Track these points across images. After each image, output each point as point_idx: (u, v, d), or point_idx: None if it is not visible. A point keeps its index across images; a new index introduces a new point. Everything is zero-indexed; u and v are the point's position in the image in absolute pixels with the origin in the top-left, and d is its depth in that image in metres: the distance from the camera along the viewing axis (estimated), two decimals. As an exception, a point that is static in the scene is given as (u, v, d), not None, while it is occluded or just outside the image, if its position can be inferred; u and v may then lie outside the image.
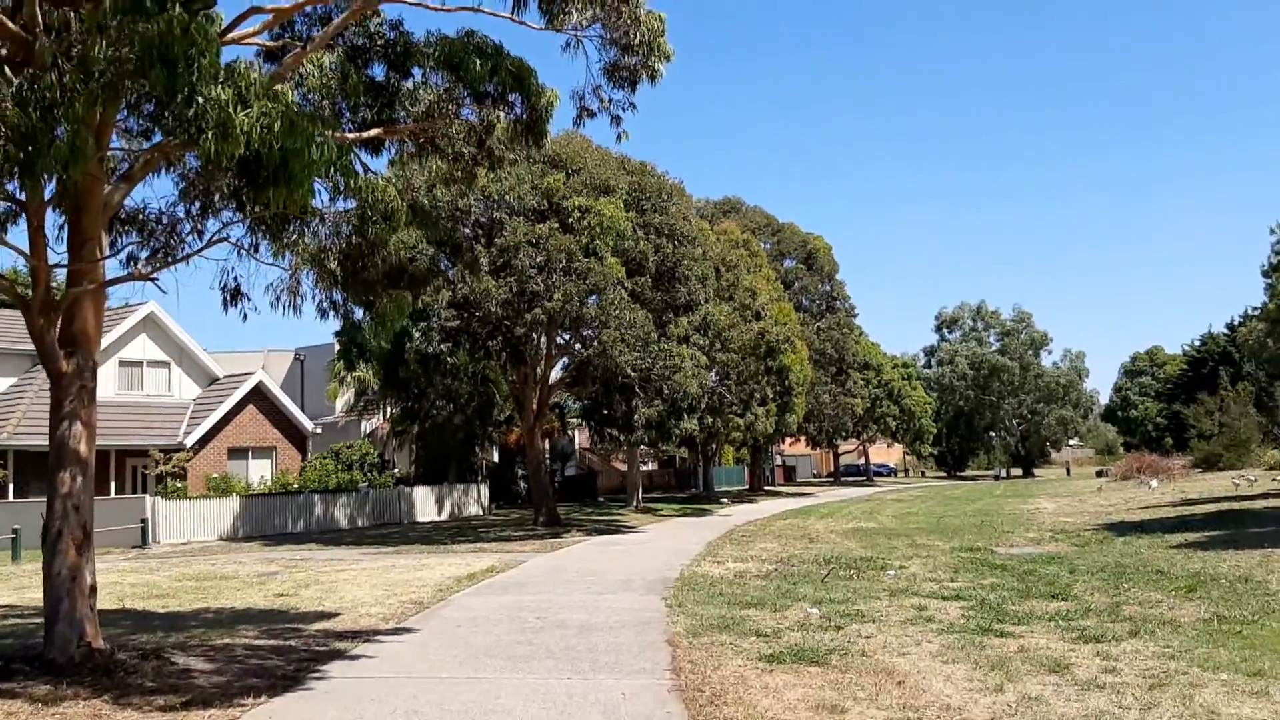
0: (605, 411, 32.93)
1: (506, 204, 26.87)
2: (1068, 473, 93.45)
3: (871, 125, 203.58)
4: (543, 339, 29.53)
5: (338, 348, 31.76)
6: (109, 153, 10.24)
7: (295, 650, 10.88)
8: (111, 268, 10.80)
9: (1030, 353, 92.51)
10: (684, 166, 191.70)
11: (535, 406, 31.46)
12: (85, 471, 9.61)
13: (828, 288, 59.79)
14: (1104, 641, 10.50)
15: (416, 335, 27.51)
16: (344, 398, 46.11)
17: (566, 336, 30.78)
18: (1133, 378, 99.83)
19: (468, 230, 28.69)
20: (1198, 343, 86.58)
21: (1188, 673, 8.93)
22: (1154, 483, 40.81)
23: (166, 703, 8.18)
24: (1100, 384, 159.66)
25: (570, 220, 26.74)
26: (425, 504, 39.42)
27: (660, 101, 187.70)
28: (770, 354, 39.63)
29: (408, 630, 12.32)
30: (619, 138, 11.04)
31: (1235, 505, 28.33)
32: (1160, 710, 7.71)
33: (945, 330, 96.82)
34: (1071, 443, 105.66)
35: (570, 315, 26.19)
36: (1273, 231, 30.64)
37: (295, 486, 36.29)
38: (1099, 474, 72.47)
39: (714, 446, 50.01)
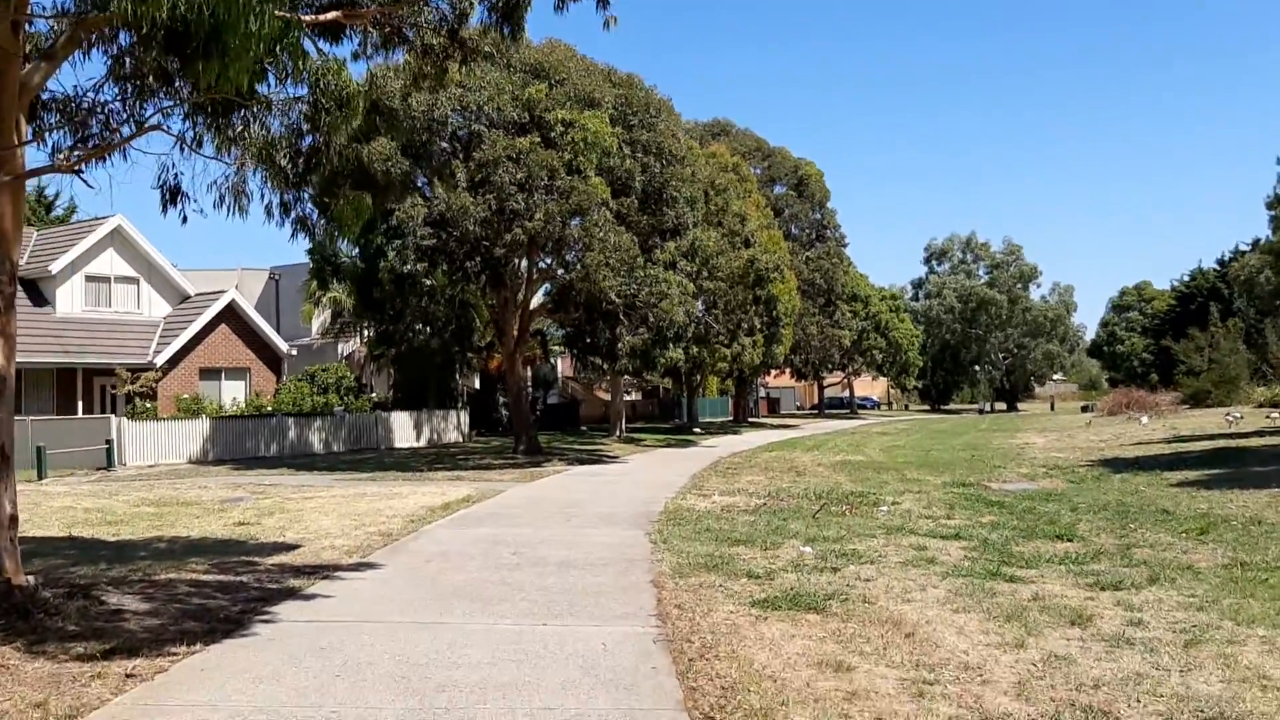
0: (588, 339, 31.90)
1: (485, 115, 25.51)
2: (1051, 408, 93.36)
3: (867, 54, 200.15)
4: (524, 261, 28.36)
5: (311, 266, 30.50)
6: (31, 30, 9.04)
7: (245, 588, 9.97)
8: (38, 161, 9.65)
9: (1019, 286, 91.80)
10: (672, 86, 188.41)
11: (516, 332, 30.36)
12: (3, 387, 8.56)
13: (818, 216, 58.50)
14: (1123, 589, 9.70)
15: (391, 254, 26.29)
16: (320, 319, 44.96)
17: (549, 261, 29.65)
18: (1120, 313, 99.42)
19: (445, 144, 27.39)
20: (1187, 278, 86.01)
21: (1221, 627, 8.12)
22: (1144, 419, 40.27)
23: (86, 650, 7.25)
24: (1088, 319, 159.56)
25: (552, 135, 25.41)
26: (403, 430, 38.57)
27: (647, 18, 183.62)
28: (759, 283, 38.53)
29: (372, 566, 11.43)
30: (606, 24, 9.82)
31: (1231, 443, 27.72)
32: (1203, 673, 6.88)
33: (934, 262, 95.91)
34: (1055, 378, 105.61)
35: (552, 236, 24.99)
36: (1278, 163, 29.47)
37: (269, 409, 35.33)
38: (1084, 409, 72.18)
39: (699, 377, 49.17)
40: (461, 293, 27.70)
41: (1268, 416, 35.12)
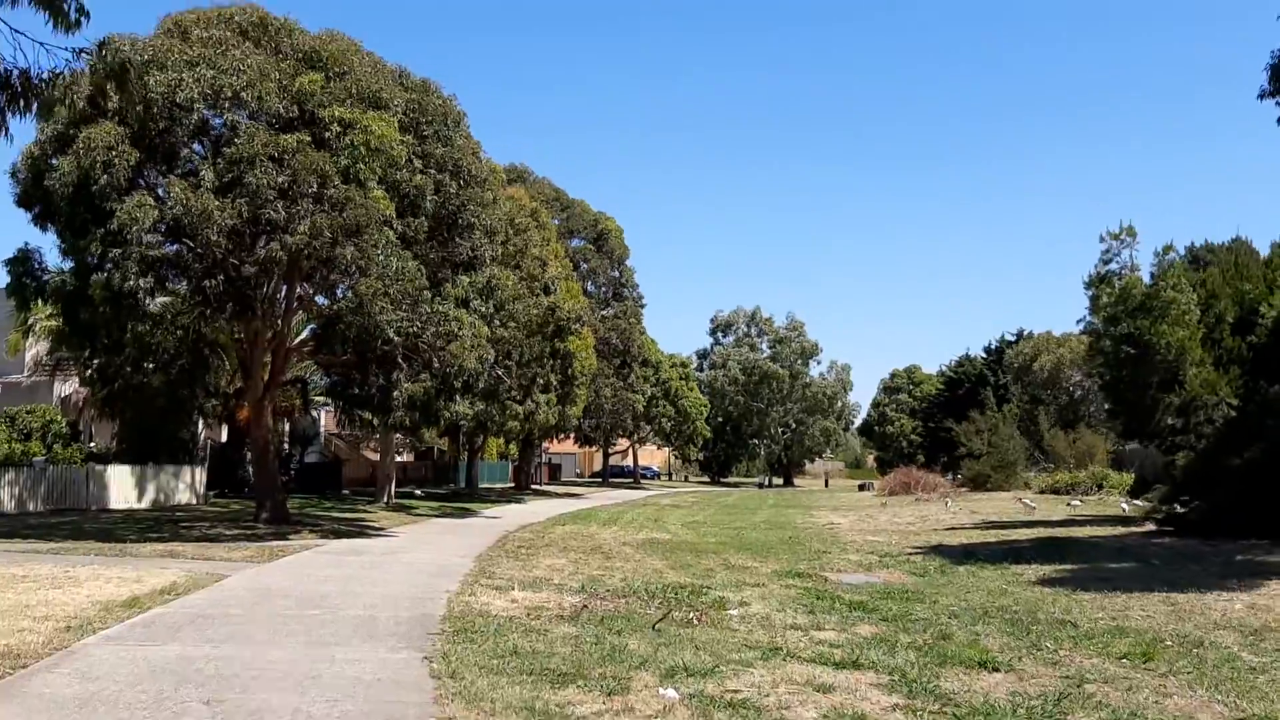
0: (357, 389, 27.02)
1: (244, 105, 20.76)
2: (826, 484, 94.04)
3: (660, 119, 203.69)
4: (283, 288, 23.39)
5: (8, 282, 24.33)
6: None
7: None
8: None
9: (800, 362, 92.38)
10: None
11: (267, 375, 25.21)
12: None
13: (616, 273, 55.60)
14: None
15: (109, 266, 20.84)
16: (32, 351, 37.97)
17: (314, 290, 24.85)
18: (891, 394, 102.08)
19: (197, 145, 22.50)
20: (955, 363, 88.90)
21: None
22: (949, 501, 39.03)
23: None
24: (860, 399, 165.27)
25: (327, 135, 20.91)
26: (123, 487, 32.19)
27: (434, 52, 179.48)
28: (559, 334, 34.77)
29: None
30: None
31: (1053, 532, 26.08)
32: None
33: (720, 334, 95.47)
34: (826, 455, 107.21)
35: (319, 255, 20.30)
36: (1102, 240, 28.86)
37: (-50, 457, 28.49)
38: (862, 488, 72.17)
39: (481, 438, 44.61)
40: (199, 321, 22.42)
41: (1069, 504, 34.31)
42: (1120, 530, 25.89)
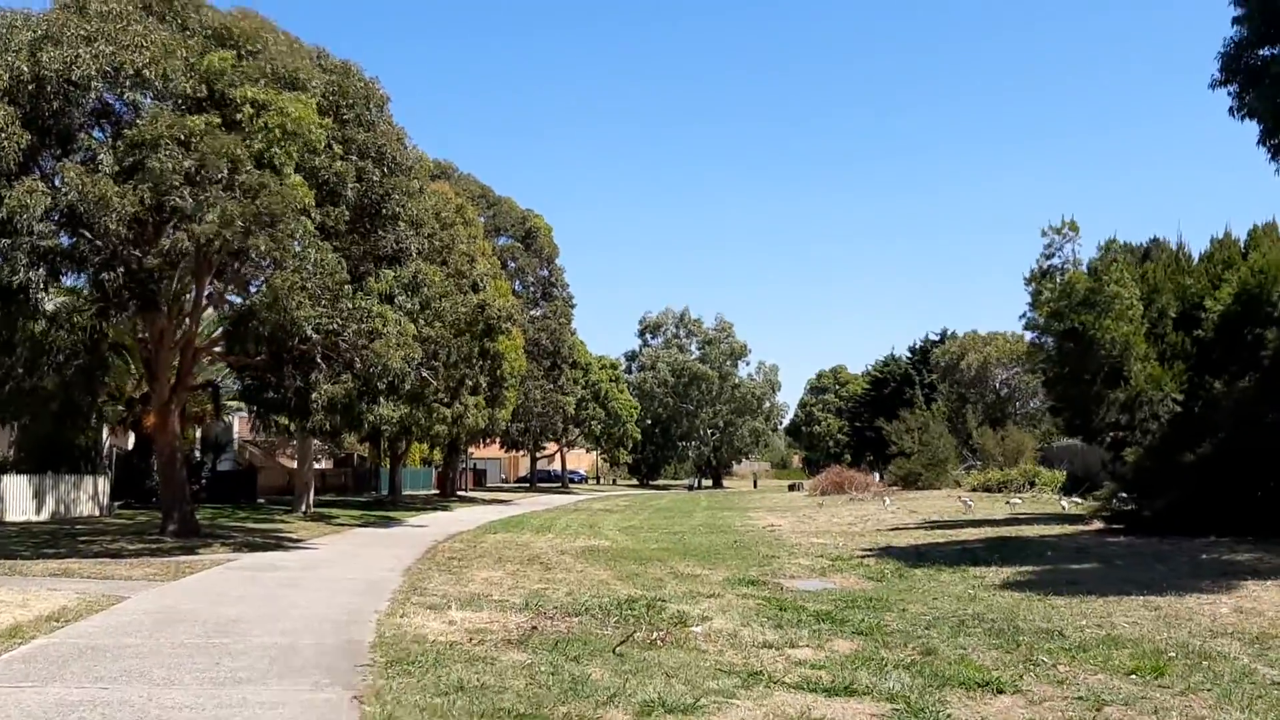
0: (272, 392, 25.24)
1: (146, 83, 19.03)
2: (755, 485, 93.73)
3: (585, 120, 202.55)
4: (190, 281, 21.61)
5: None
6: None
7: None
8: None
9: (729, 363, 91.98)
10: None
11: (174, 377, 23.36)
12: None
13: (546, 272, 54.16)
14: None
15: (-2, 258, 18.96)
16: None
17: (225, 285, 23.10)
18: (818, 395, 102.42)
19: (96, 129, 20.72)
20: (880, 363, 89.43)
21: None
22: (887, 500, 38.50)
23: None
24: (788, 399, 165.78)
25: (239, 118, 19.26)
26: (19, 499, 29.99)
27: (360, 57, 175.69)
28: (488, 333, 33.28)
29: None
30: None
31: (1000, 531, 25.53)
32: None
33: (648, 335, 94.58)
34: (752, 455, 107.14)
35: (230, 246, 18.65)
36: (1044, 234, 28.44)
37: None
38: (792, 488, 71.87)
39: (405, 443, 42.82)
40: (99, 319, 20.57)
41: (1008, 502, 34.00)
42: (1069, 529, 25.44)
